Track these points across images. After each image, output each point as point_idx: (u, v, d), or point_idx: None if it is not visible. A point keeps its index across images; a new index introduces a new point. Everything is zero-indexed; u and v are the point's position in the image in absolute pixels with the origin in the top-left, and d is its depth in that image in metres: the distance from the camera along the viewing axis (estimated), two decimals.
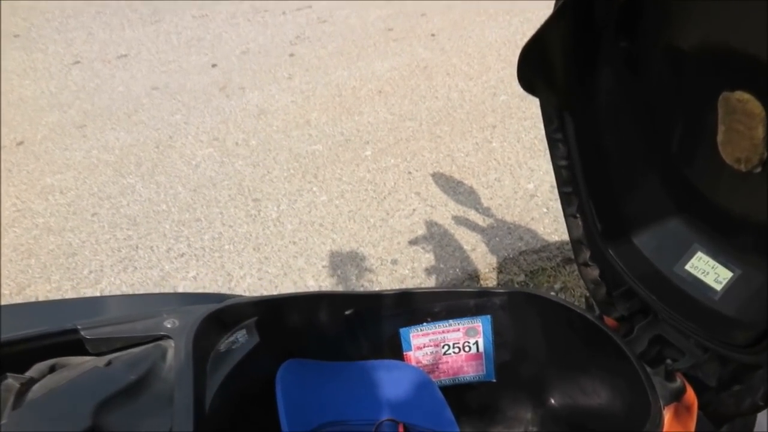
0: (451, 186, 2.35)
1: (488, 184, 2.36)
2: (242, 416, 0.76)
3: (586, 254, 0.94)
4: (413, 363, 0.95)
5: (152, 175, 2.52)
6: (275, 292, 1.91)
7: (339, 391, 0.83)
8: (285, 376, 0.79)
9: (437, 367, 0.96)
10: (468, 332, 0.93)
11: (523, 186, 2.32)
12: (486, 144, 2.64)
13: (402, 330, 0.92)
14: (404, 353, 0.94)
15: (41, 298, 1.90)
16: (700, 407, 0.75)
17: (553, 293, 1.90)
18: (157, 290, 1.93)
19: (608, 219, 0.89)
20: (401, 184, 2.40)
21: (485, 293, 0.89)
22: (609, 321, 0.91)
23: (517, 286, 1.91)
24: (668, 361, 0.74)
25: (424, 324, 0.92)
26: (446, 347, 0.94)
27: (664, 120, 0.81)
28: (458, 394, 0.99)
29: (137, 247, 2.12)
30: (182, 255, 2.08)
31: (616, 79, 0.79)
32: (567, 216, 0.93)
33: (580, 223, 0.93)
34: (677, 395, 0.72)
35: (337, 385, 0.84)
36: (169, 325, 0.73)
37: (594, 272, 0.94)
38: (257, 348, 0.79)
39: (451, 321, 0.92)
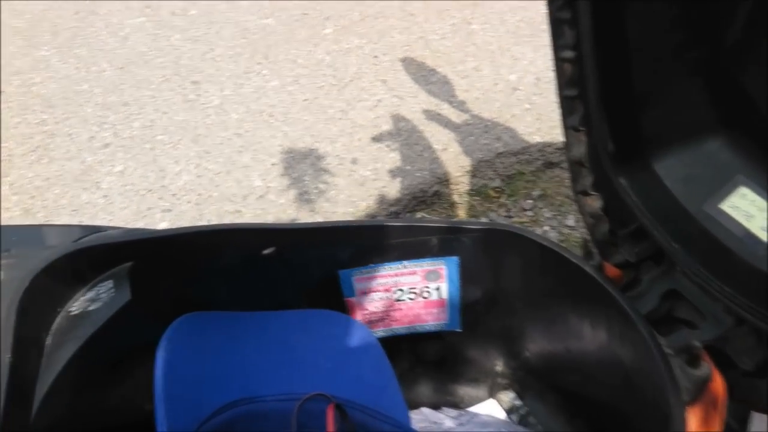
0: (422, 74, 2.06)
1: (465, 73, 2.07)
2: (108, 404, 0.55)
3: (588, 180, 0.71)
4: (357, 311, 0.75)
5: (71, 47, 2.14)
6: (216, 193, 1.67)
7: (251, 354, 0.63)
8: (174, 340, 0.57)
9: (388, 315, 0.76)
10: (428, 276, 0.72)
11: (504, 77, 2.04)
12: (465, 26, 2.30)
13: (342, 272, 0.70)
14: (346, 299, 0.73)
15: None
16: None
17: (530, 201, 1.71)
18: (77, 186, 1.66)
19: (623, 135, 0.65)
20: (366, 69, 2.09)
21: (453, 229, 0.67)
22: (608, 269, 0.71)
23: (491, 192, 1.71)
24: (695, 343, 0.54)
25: (371, 266, 0.70)
26: (399, 292, 0.74)
27: None
28: (415, 341, 0.80)
29: (53, 134, 1.81)
30: (107, 145, 1.79)
31: None
32: (567, 128, 0.70)
33: (583, 138, 0.69)
34: (702, 386, 0.53)
35: (248, 346, 0.63)
36: None
37: (595, 203, 0.72)
38: (130, 306, 0.56)
39: (405, 263, 0.70)
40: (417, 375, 0.85)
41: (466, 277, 0.72)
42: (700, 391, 0.52)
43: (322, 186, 1.70)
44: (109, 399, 0.55)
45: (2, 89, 1.96)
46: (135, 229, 0.60)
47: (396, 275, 0.72)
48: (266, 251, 0.65)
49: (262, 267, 0.66)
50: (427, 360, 0.84)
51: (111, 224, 1.52)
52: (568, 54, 0.63)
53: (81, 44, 2.16)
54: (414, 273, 0.71)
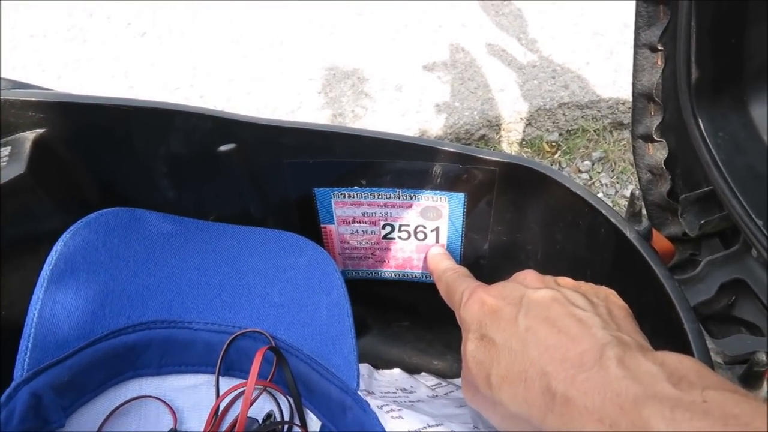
0: (494, 2, 1.84)
1: (541, 8, 1.83)
2: None
3: (654, 120, 0.54)
4: (334, 243, 0.61)
5: None
6: (245, 101, 1.55)
7: (186, 270, 0.51)
8: (82, 236, 0.46)
9: (373, 254, 0.63)
10: (425, 213, 0.57)
11: (587, 17, 1.80)
12: None
13: (319, 191, 0.57)
14: (321, 226, 0.60)
15: None
16: None
17: (588, 163, 1.51)
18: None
19: (717, 56, 0.48)
20: None
21: (462, 157, 0.52)
22: (658, 240, 0.54)
23: (545, 146, 1.51)
24: (759, 356, 0.39)
25: (355, 189, 0.56)
26: (389, 228, 0.60)
27: None
28: (404, 290, 0.67)
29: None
30: (144, 34, 1.69)
31: None
32: (640, 46, 0.52)
33: (660, 60, 0.51)
34: None
35: (185, 259, 0.52)
36: None
37: (658, 153, 0.55)
38: (29, 184, 0.45)
39: (399, 191, 0.56)
40: (402, 331, 0.73)
41: (473, 221, 0.57)
42: None
43: (359, 111, 1.55)
44: None
45: None
46: (63, 93, 0.48)
47: (386, 205, 0.57)
48: (224, 147, 0.52)
49: (221, 169, 0.53)
50: (416, 315, 0.71)
51: None
52: None
53: None
54: (408, 206, 0.57)
